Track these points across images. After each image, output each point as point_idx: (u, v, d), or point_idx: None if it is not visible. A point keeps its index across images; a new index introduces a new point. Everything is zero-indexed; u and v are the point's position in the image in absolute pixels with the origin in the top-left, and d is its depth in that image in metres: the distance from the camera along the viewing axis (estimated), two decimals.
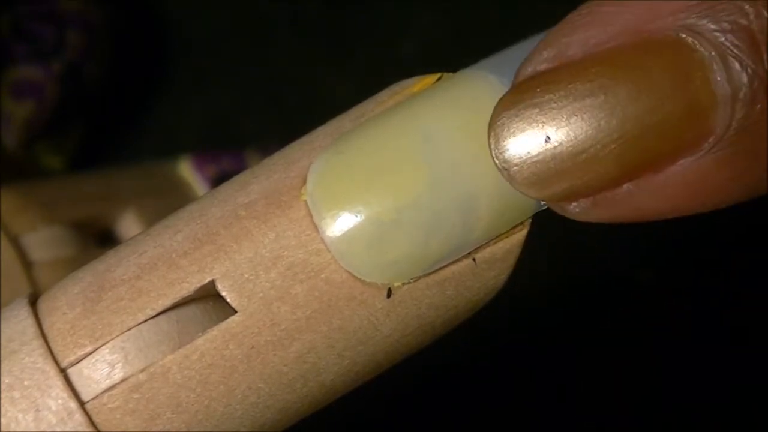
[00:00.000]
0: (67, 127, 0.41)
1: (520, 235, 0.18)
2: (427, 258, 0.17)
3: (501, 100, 0.16)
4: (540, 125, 0.15)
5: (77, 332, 0.17)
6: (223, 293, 0.17)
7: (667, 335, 0.38)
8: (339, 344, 0.17)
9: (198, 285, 0.17)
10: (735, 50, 0.14)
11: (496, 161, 0.16)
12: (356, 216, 0.17)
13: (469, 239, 0.17)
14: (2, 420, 0.17)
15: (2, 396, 0.17)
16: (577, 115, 0.15)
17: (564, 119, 0.15)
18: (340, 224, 0.17)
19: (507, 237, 0.18)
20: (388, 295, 0.17)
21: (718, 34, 0.14)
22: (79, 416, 0.17)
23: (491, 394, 0.37)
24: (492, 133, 0.15)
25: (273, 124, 0.43)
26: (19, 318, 0.18)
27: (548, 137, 0.15)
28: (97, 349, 0.17)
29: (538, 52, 0.16)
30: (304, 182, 0.17)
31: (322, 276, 0.17)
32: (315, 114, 0.19)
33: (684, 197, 0.15)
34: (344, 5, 0.46)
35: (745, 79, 0.14)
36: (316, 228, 0.17)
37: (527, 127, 0.15)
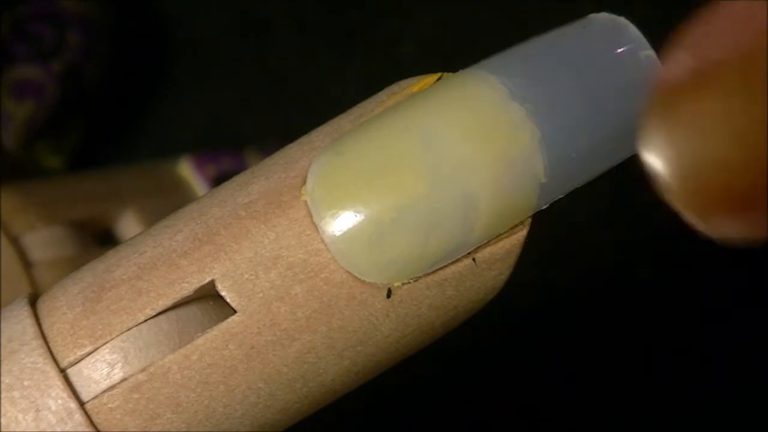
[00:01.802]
0: (67, 127, 0.41)
1: (520, 235, 0.18)
2: (426, 258, 0.17)
3: (648, 115, 0.14)
4: (695, 134, 0.14)
5: (77, 332, 0.17)
6: (223, 293, 0.17)
7: (667, 335, 0.38)
8: (339, 344, 0.17)
9: (198, 285, 0.17)
10: None
11: (657, 181, 0.14)
12: (356, 216, 0.17)
13: (469, 239, 0.17)
14: (2, 420, 0.17)
15: (2, 396, 0.17)
16: (728, 122, 0.14)
17: (715, 129, 0.14)
18: (340, 224, 0.17)
19: (507, 237, 0.18)
20: (388, 295, 0.17)
21: None
22: (78, 416, 0.17)
23: (491, 394, 0.37)
24: (644, 152, 0.14)
25: (273, 124, 0.43)
26: (19, 318, 0.18)
27: (700, 148, 0.14)
28: (97, 349, 0.17)
29: (676, 56, 0.14)
30: (304, 182, 0.17)
31: (322, 276, 0.17)
32: (315, 114, 0.19)
33: None
34: (344, 5, 0.46)
35: None
36: (315, 228, 0.17)
37: (679, 141, 0.14)
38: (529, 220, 0.18)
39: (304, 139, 0.18)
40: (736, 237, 0.15)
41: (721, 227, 0.15)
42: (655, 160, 0.14)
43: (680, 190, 0.14)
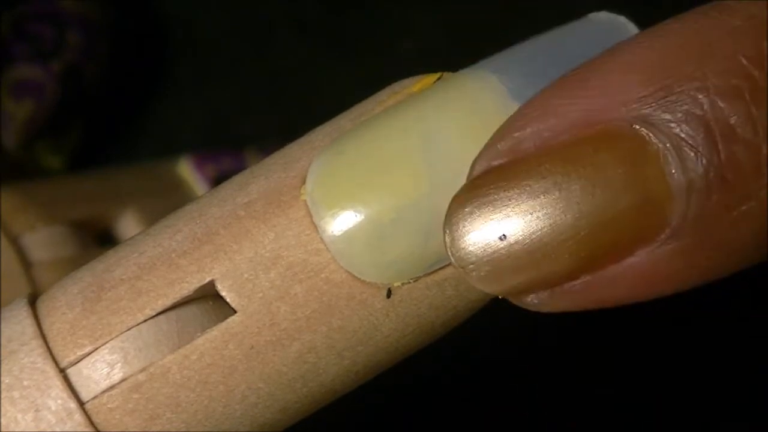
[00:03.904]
0: (67, 127, 0.41)
1: None
2: (426, 258, 0.17)
3: (456, 197, 0.15)
4: (495, 222, 0.15)
5: (77, 332, 0.17)
6: (223, 293, 0.17)
7: (668, 334, 0.38)
8: (339, 344, 0.17)
9: (197, 285, 0.17)
10: (689, 141, 0.14)
11: (453, 259, 0.15)
12: (356, 216, 0.17)
13: None
14: (2, 420, 0.17)
15: (2, 396, 0.17)
16: (531, 213, 0.15)
17: (519, 216, 0.15)
18: (340, 224, 0.17)
19: None
20: (388, 295, 0.17)
21: (672, 125, 0.14)
22: (78, 416, 0.17)
23: (491, 394, 0.37)
24: (447, 231, 0.15)
25: (273, 124, 0.43)
26: (19, 318, 0.18)
27: (504, 235, 0.15)
28: (96, 349, 0.17)
29: (491, 146, 0.15)
30: (304, 182, 0.17)
31: (322, 276, 0.17)
32: (315, 114, 0.19)
33: (641, 286, 0.15)
34: (344, 5, 0.46)
35: (700, 170, 0.14)
36: (315, 228, 0.17)
37: (482, 224, 0.15)
38: None
39: (304, 139, 0.18)
40: (543, 307, 0.16)
41: (522, 300, 0.16)
42: (454, 240, 0.15)
43: (476, 268, 0.15)
